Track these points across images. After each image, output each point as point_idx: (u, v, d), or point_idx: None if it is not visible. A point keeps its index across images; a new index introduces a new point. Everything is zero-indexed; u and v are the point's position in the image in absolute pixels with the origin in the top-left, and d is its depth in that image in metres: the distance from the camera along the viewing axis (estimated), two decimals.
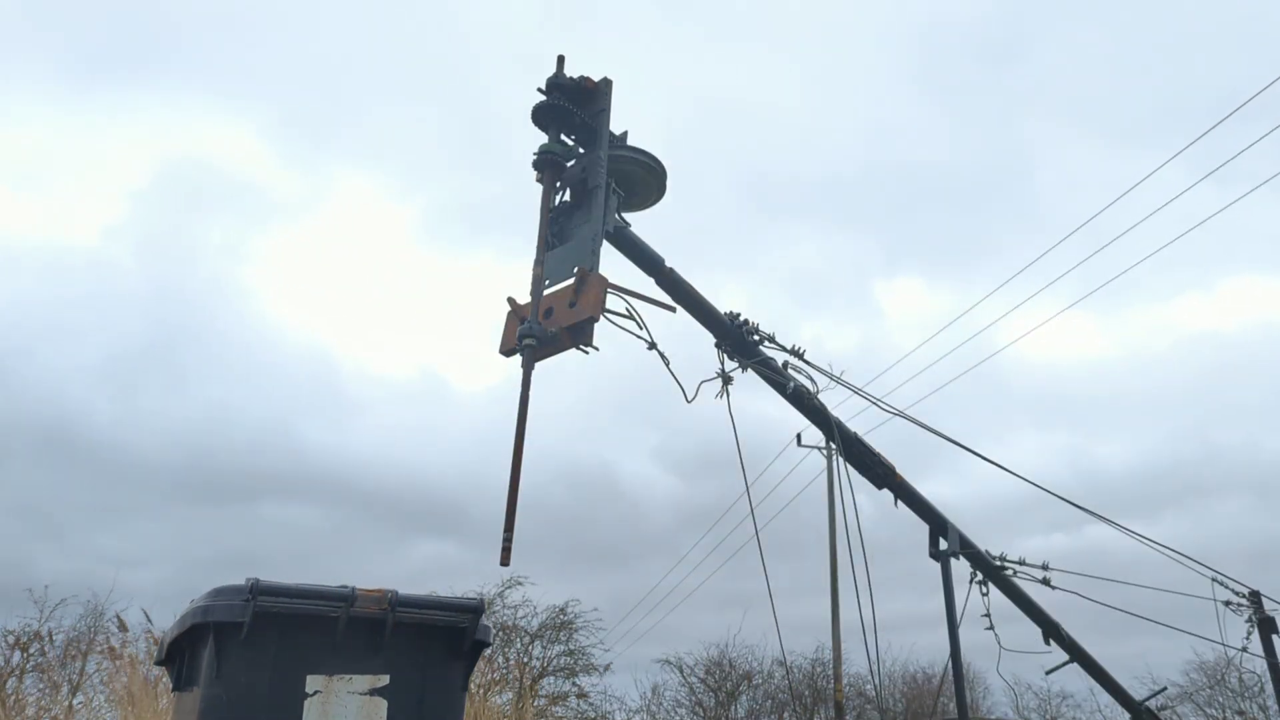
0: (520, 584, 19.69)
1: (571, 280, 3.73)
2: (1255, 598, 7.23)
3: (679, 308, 4.38)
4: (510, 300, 3.86)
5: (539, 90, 4.08)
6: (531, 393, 3.53)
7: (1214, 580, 7.05)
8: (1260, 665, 7.47)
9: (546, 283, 3.83)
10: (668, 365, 4.07)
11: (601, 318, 3.62)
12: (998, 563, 5.93)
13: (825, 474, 23.92)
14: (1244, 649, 7.24)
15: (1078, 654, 6.32)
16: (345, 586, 3.14)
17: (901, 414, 5.62)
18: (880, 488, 5.43)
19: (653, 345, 4.00)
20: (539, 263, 3.84)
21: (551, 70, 4.13)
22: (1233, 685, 20.78)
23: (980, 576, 5.88)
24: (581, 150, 4.18)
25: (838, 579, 22.13)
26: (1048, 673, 6.66)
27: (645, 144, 4.23)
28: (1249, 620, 7.21)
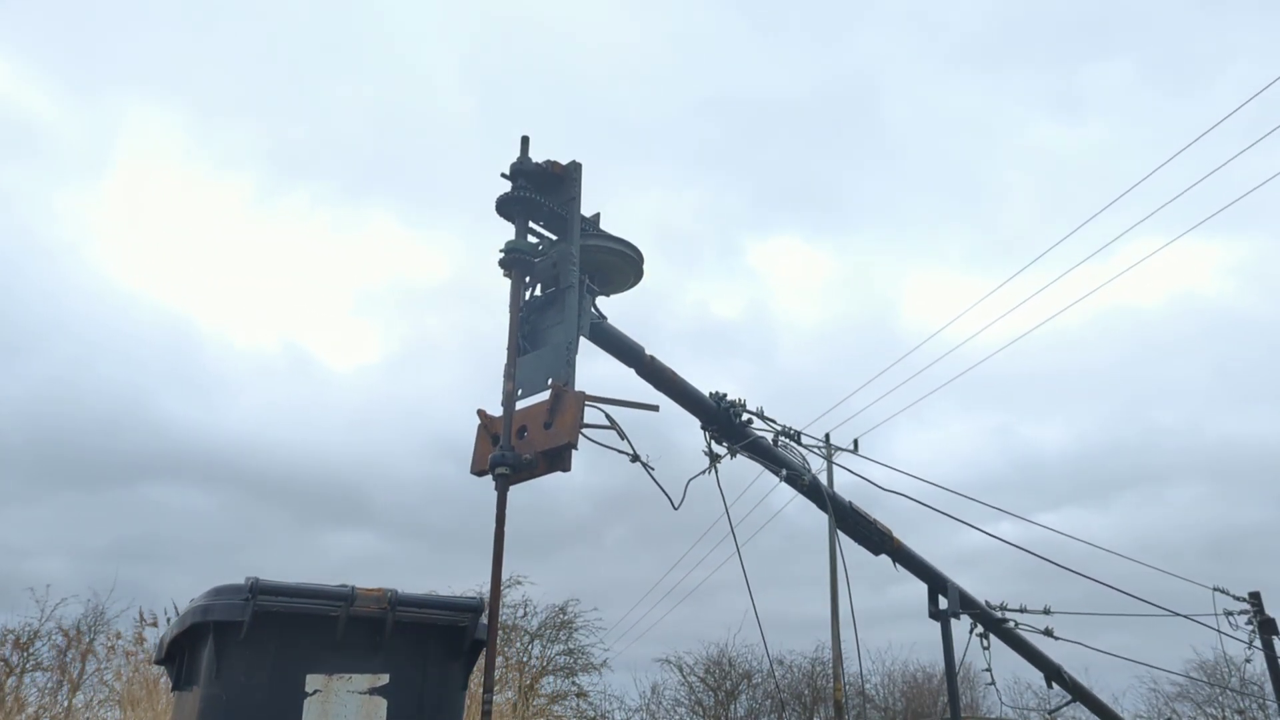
0: (520, 583, 19.71)
1: (546, 394, 3.54)
2: (1255, 599, 7.24)
3: (664, 396, 4.22)
4: (481, 414, 3.64)
5: (503, 176, 3.85)
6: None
7: (1215, 590, 7.10)
8: (1260, 665, 7.48)
9: (520, 393, 3.61)
10: (652, 475, 3.82)
11: (580, 439, 3.40)
12: (998, 614, 5.94)
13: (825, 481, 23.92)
14: (1248, 660, 7.27)
15: (1081, 694, 6.36)
16: (345, 586, 3.14)
17: (907, 494, 5.63)
18: (877, 554, 5.42)
19: (636, 458, 3.73)
20: (510, 376, 3.59)
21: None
22: (1234, 686, 20.78)
23: (980, 629, 5.90)
24: (552, 236, 3.96)
25: (836, 580, 22.13)
26: (1050, 714, 6.70)
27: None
28: (1249, 623, 7.22)
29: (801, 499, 5.03)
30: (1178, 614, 6.76)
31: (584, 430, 3.45)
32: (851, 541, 5.39)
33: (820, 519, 5.19)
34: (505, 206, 3.88)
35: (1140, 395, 55.63)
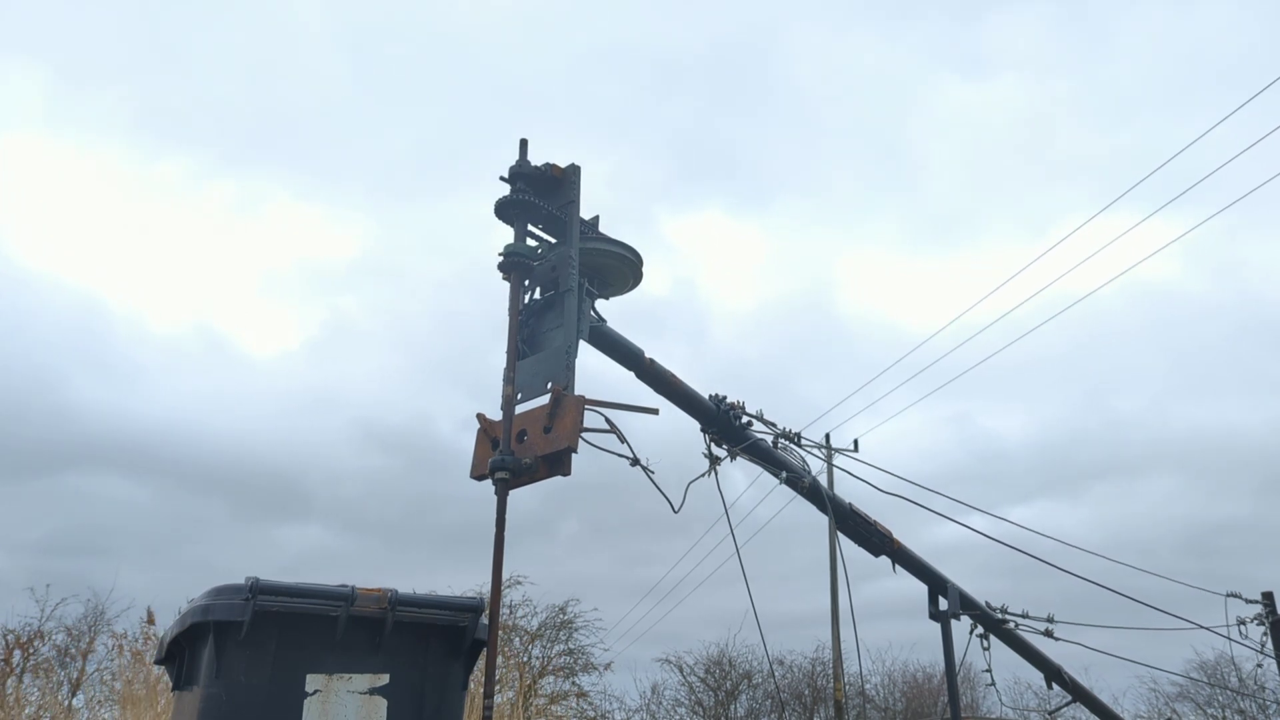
0: (520, 583, 19.71)
1: (545, 398, 3.54)
2: (1269, 599, 7.26)
3: (664, 399, 4.23)
4: (480, 418, 3.65)
5: (501, 179, 3.86)
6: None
7: (1228, 596, 7.12)
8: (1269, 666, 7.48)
9: (519, 397, 3.61)
10: (653, 479, 3.80)
11: (579, 444, 3.40)
12: (999, 615, 5.94)
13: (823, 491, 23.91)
14: (1259, 665, 7.28)
15: (1081, 695, 6.36)
16: (345, 585, 3.15)
17: (901, 495, 5.63)
18: (877, 555, 5.41)
19: (636, 462, 3.73)
20: (509, 380, 3.58)
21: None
22: (1233, 685, 20.80)
23: (980, 630, 5.90)
24: (551, 239, 3.96)
25: (836, 581, 22.15)
26: (1050, 714, 6.70)
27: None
28: (1260, 624, 7.23)
29: (791, 498, 5.03)
30: (1189, 623, 6.76)
31: (583, 434, 3.45)
32: (851, 543, 5.39)
33: (819, 517, 5.17)
34: (504, 210, 3.88)
35: (1099, 383, 54.27)
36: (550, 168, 3.91)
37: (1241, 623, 7.06)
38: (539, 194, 3.87)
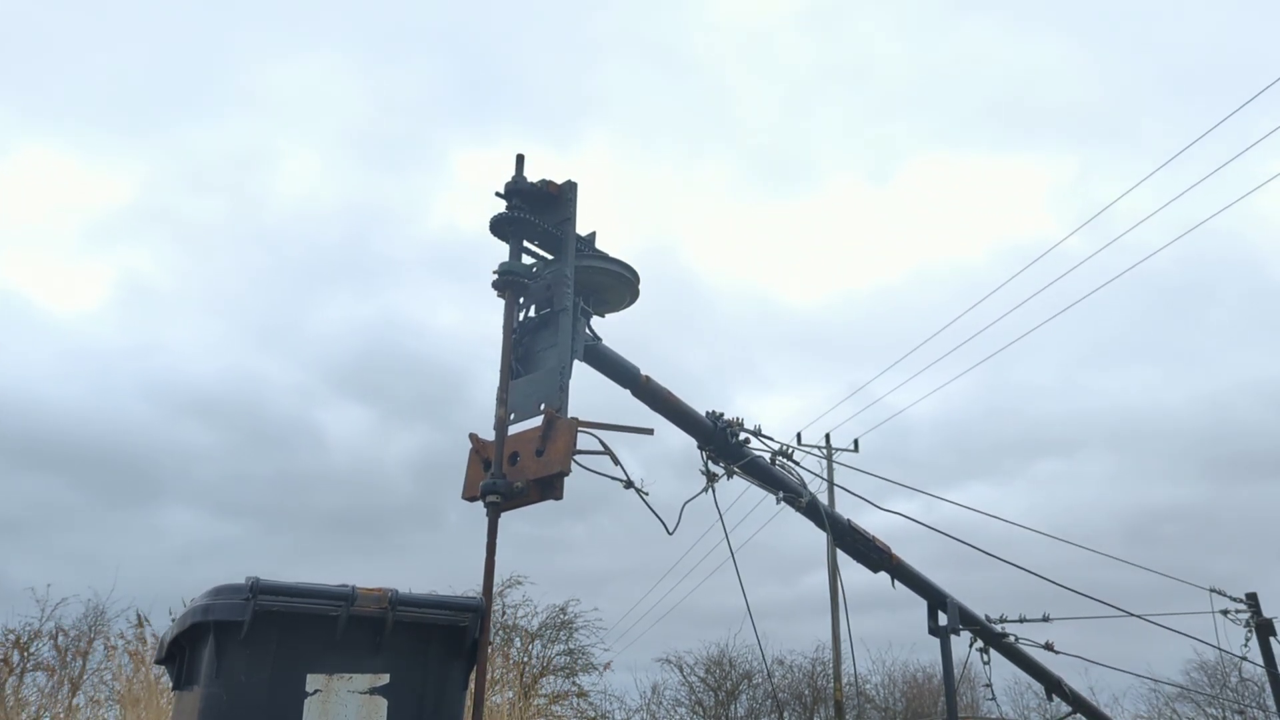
0: (520, 583, 19.71)
1: (538, 419, 3.51)
2: (1253, 600, 7.24)
3: (661, 417, 4.21)
4: (473, 438, 3.64)
5: (497, 194, 3.83)
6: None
7: (1212, 591, 7.11)
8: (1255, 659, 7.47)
9: (511, 417, 3.59)
10: (647, 502, 3.78)
11: (572, 468, 3.38)
12: (998, 628, 5.92)
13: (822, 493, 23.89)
14: (1244, 657, 7.26)
15: (1081, 705, 6.36)
16: (345, 585, 3.16)
17: (902, 513, 5.62)
18: (876, 571, 5.39)
19: (630, 484, 3.71)
20: (502, 401, 3.56)
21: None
22: (1233, 684, 20.79)
23: (980, 644, 5.89)
24: (547, 255, 3.94)
25: (837, 592, 22.16)
26: None
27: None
28: (1247, 625, 7.20)
29: (779, 509, 5.01)
30: (1172, 629, 6.75)
31: (576, 456, 3.43)
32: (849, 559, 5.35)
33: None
34: (499, 227, 3.85)
35: (994, 352, 51.76)
36: (546, 184, 3.89)
37: (1225, 612, 7.04)
38: (534, 210, 3.84)
